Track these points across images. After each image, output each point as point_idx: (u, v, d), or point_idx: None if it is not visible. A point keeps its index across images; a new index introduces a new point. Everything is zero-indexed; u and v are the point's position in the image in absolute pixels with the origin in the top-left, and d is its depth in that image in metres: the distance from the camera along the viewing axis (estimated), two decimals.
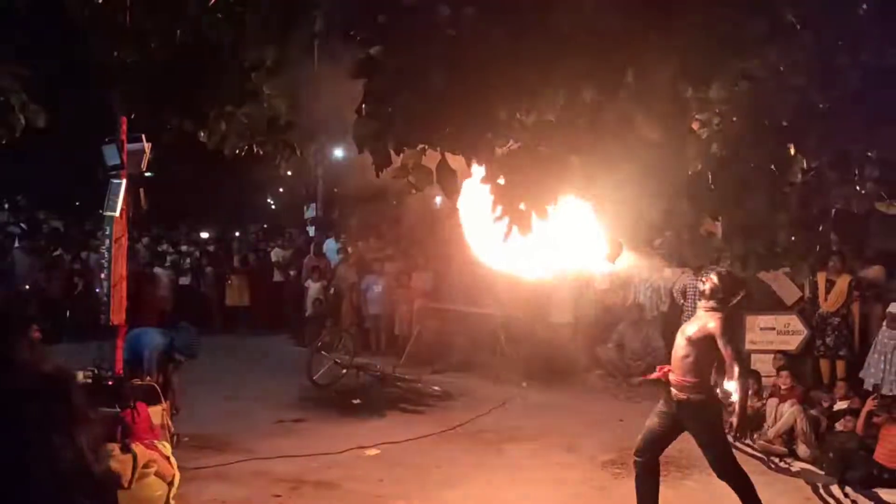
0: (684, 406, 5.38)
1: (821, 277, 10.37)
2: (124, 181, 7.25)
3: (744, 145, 2.21)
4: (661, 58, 1.81)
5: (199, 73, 1.80)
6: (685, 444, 8.26)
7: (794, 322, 10.26)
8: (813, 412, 8.12)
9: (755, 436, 8.41)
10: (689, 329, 5.43)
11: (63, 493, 0.71)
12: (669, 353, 11.06)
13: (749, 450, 8.16)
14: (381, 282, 13.51)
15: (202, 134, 2.66)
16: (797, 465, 7.70)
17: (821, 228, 2.67)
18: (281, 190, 36.11)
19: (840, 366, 10.26)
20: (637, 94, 1.91)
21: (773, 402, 8.51)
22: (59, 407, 0.79)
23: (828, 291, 10.26)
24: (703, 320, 5.37)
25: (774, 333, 10.24)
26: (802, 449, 7.82)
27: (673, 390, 5.39)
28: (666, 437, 5.62)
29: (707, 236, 2.42)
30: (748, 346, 10.44)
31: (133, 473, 5.68)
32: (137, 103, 1.81)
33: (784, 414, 8.18)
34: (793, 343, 10.10)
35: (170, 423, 7.08)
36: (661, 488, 6.88)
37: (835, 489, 6.94)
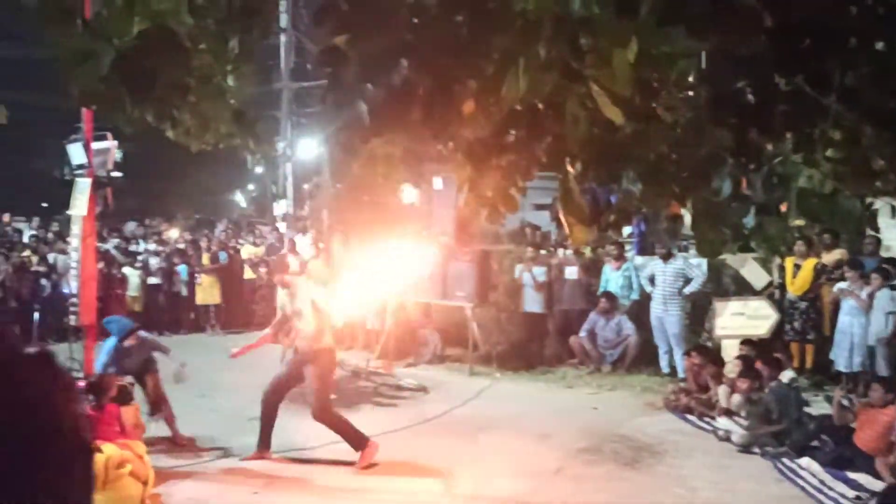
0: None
1: (788, 262, 10.54)
2: (90, 180, 7.18)
3: (707, 128, 2.23)
4: (620, 42, 1.82)
5: (159, 64, 1.77)
6: (658, 429, 8.42)
7: (764, 307, 10.40)
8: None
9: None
10: None
11: (64, 451, 0.73)
12: (641, 341, 11.27)
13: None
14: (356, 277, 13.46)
15: (167, 126, 2.63)
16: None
17: (785, 212, 2.71)
18: (251, 187, 35.90)
19: (809, 349, 10.45)
20: (598, 79, 1.92)
21: (723, 388, 8.64)
22: (52, 377, 0.80)
23: (795, 276, 10.44)
24: None
25: (744, 318, 10.37)
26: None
27: None
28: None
29: (673, 221, 2.45)
30: (719, 332, 10.57)
31: (105, 473, 5.63)
32: (95, 96, 1.77)
33: (735, 402, 8.34)
34: (763, 327, 10.24)
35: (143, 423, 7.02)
36: (631, 474, 6.98)
37: (801, 470, 7.05)
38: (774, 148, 2.71)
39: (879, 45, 2.04)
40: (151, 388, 7.95)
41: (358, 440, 7.19)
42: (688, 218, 2.71)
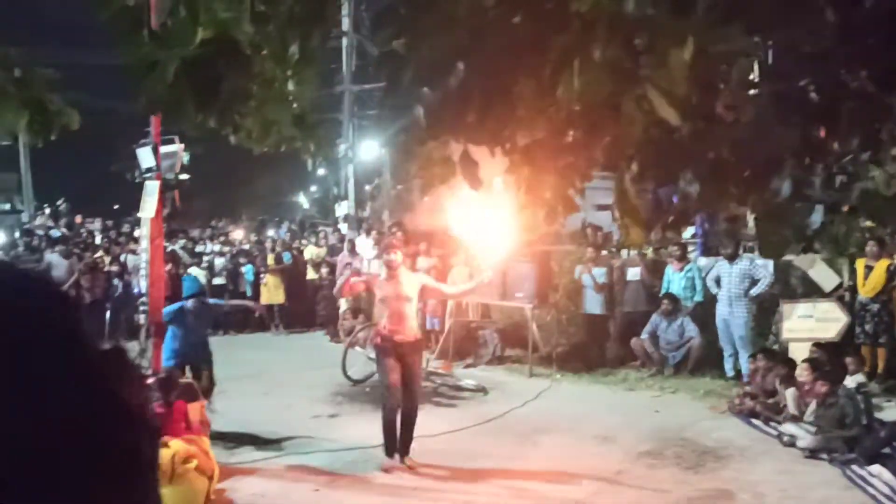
0: None
1: (859, 263, 10.20)
2: (158, 182, 7.41)
3: (768, 128, 2.18)
4: (676, 41, 1.80)
5: (221, 71, 1.83)
6: (722, 433, 8.25)
7: (833, 309, 10.08)
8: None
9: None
10: None
11: (132, 432, 0.81)
12: (704, 343, 11.03)
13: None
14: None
15: (229, 130, 2.70)
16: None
17: (853, 212, 2.63)
18: (314, 189, 36.49)
19: (881, 353, 10.09)
20: (654, 79, 1.90)
21: (792, 392, 8.41)
22: (124, 367, 0.89)
23: (866, 277, 10.10)
24: None
25: (813, 321, 10.07)
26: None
27: None
28: None
29: (731, 222, 2.40)
30: (786, 335, 10.29)
31: (172, 468, 5.80)
32: (161, 103, 1.84)
33: (809, 406, 8.11)
34: (832, 330, 9.93)
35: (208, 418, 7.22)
36: (695, 478, 6.85)
37: (871, 477, 6.82)
38: (841, 147, 2.64)
39: None
40: (206, 377, 8.23)
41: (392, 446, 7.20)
42: (750, 219, 2.66)
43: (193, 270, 15.16)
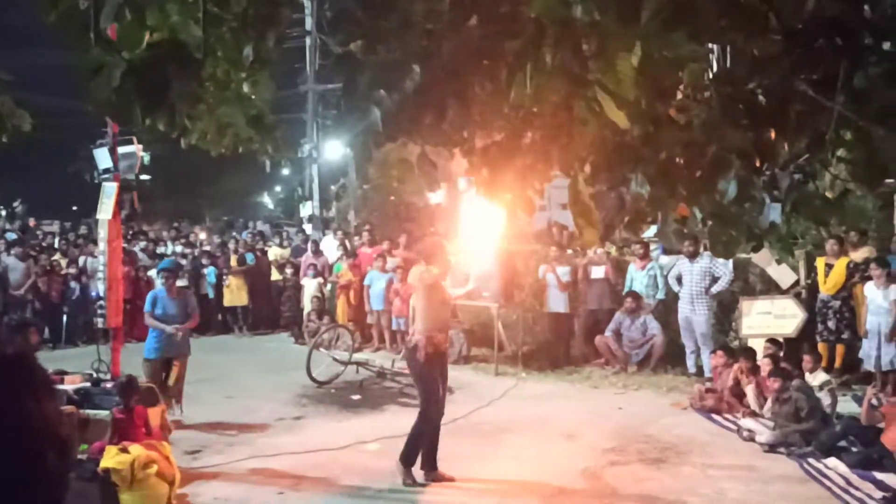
0: None
1: (820, 262, 10.42)
2: (116, 184, 7.30)
3: (717, 130, 2.23)
4: (623, 47, 1.82)
5: (169, 75, 1.81)
6: (684, 429, 8.36)
7: (791, 306, 10.28)
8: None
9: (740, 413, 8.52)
10: None
11: (34, 445, 0.80)
12: (666, 340, 11.18)
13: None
14: (383, 277, 13.54)
15: (178, 133, 2.68)
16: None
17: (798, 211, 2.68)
18: (278, 189, 36.27)
19: (839, 349, 10.31)
20: (602, 83, 1.92)
21: (751, 388, 8.58)
22: (25, 379, 0.87)
23: (827, 275, 10.30)
24: None
25: (771, 317, 10.26)
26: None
27: None
28: None
29: (681, 222, 2.44)
30: (745, 331, 10.48)
31: (132, 474, 5.72)
32: (108, 106, 1.82)
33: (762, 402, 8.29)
34: (790, 327, 10.12)
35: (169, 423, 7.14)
36: (658, 474, 6.95)
37: (828, 470, 6.97)
38: (790, 149, 2.69)
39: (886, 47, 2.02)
40: (176, 373, 8.21)
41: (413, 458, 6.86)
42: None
43: (154, 273, 14.96)
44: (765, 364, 8.61)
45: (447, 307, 7.06)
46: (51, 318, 14.46)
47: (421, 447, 6.79)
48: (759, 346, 9.66)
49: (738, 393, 8.89)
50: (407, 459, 6.77)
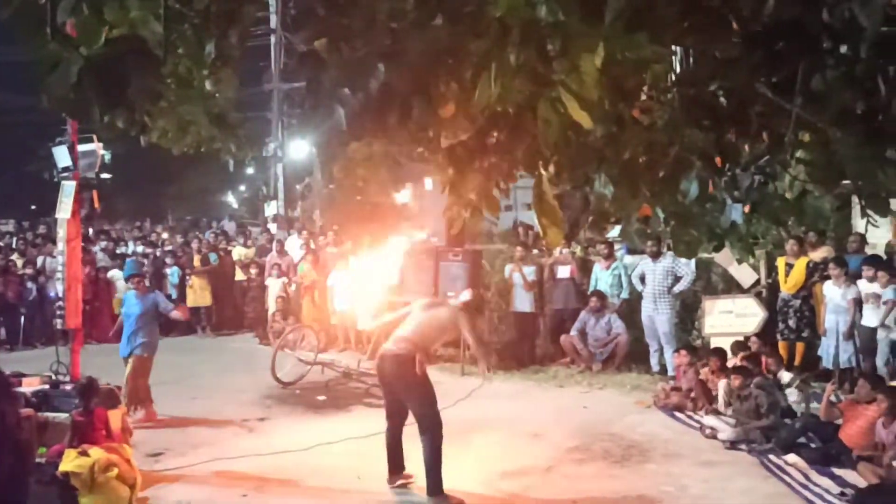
0: None
1: (781, 261, 10.60)
2: (76, 183, 7.17)
3: (679, 131, 2.25)
4: (587, 47, 1.84)
5: (128, 72, 1.77)
6: (648, 427, 8.45)
7: (752, 305, 10.45)
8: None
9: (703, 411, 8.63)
10: None
11: None
12: (631, 339, 11.30)
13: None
14: (349, 277, 13.45)
15: (137, 131, 2.63)
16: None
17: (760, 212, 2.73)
18: (242, 188, 35.92)
19: (799, 347, 10.50)
20: (566, 84, 1.93)
21: (723, 382, 8.71)
22: None
23: (788, 275, 10.48)
24: None
25: (733, 316, 10.43)
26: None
27: None
28: None
29: (643, 222, 2.47)
30: (708, 330, 10.63)
31: (92, 477, 5.63)
32: (65, 103, 1.77)
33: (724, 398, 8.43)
34: (751, 325, 10.29)
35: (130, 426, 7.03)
36: (621, 472, 7.01)
37: (788, 466, 7.09)
38: (751, 150, 2.73)
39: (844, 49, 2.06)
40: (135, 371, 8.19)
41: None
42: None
43: (115, 273, 14.72)
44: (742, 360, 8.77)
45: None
46: (8, 320, 14.16)
47: (441, 464, 6.37)
48: (721, 344, 9.82)
49: (706, 391, 8.99)
50: (437, 487, 6.31)
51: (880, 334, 9.31)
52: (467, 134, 3.13)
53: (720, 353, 9.30)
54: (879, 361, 9.31)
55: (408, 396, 6.56)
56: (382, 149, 3.04)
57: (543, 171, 2.53)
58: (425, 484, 6.32)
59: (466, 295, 6.93)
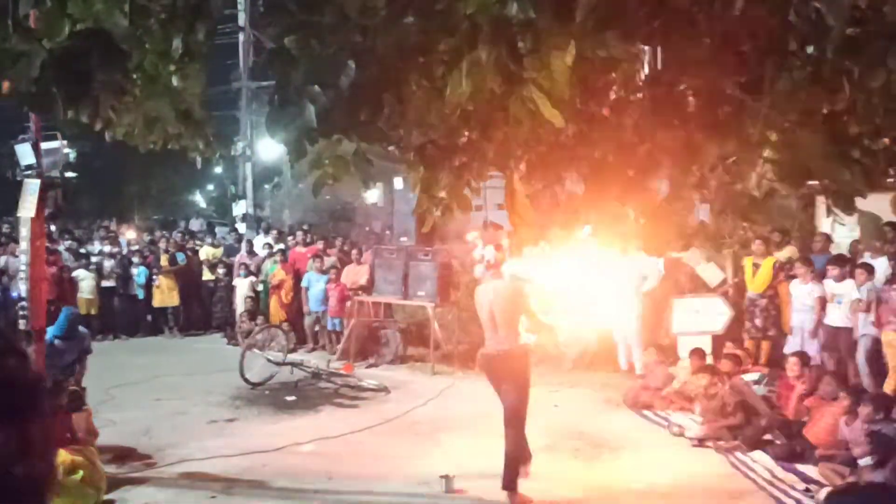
0: None
1: (748, 261, 10.73)
2: (39, 181, 7.02)
3: (649, 130, 2.27)
4: (558, 45, 1.84)
5: (93, 65, 1.73)
6: (617, 426, 8.51)
7: (719, 304, 10.57)
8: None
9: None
10: None
11: None
12: (600, 340, 11.36)
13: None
14: (322, 279, 13.39)
15: (101, 126, 2.58)
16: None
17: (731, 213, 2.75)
18: (210, 187, 35.54)
19: (765, 345, 10.64)
20: (537, 82, 1.94)
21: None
22: None
23: (754, 274, 10.62)
24: None
25: (700, 315, 10.53)
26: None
27: None
28: None
29: (614, 221, 2.49)
30: (675, 329, 10.72)
31: (57, 479, 5.53)
32: (28, 96, 1.72)
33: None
34: (718, 324, 10.41)
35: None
36: (591, 470, 7.05)
37: (754, 463, 7.19)
38: (719, 149, 2.76)
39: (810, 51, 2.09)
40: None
41: None
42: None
43: (80, 273, 14.47)
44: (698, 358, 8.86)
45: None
46: None
47: (518, 461, 6.41)
48: (688, 343, 9.91)
49: (682, 391, 9.06)
50: (513, 482, 6.34)
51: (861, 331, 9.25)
52: (439, 132, 3.12)
53: (700, 353, 9.39)
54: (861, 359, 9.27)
55: (510, 387, 6.65)
56: (352, 147, 3.02)
57: (515, 170, 2.53)
58: (501, 475, 6.36)
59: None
